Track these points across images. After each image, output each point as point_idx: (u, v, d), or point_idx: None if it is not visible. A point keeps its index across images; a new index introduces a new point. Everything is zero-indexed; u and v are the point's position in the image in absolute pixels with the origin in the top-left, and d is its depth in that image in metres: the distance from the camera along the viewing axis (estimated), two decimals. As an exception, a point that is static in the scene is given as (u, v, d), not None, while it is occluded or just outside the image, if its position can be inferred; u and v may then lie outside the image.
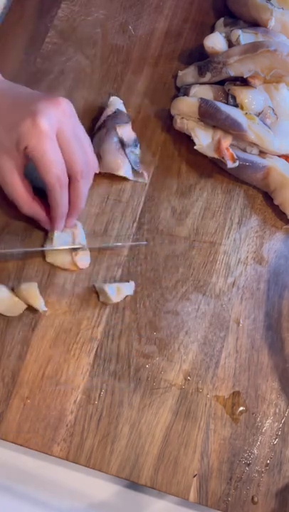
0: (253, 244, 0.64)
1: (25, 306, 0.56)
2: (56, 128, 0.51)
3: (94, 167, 0.57)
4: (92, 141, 0.57)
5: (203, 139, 0.64)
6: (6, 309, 0.55)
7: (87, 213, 0.61)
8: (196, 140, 0.64)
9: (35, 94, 0.54)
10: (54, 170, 0.51)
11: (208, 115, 0.63)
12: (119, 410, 0.55)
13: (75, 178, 0.54)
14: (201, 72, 0.66)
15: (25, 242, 0.59)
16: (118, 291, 0.57)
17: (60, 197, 0.53)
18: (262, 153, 0.65)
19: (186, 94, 0.66)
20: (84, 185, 0.55)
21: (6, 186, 0.54)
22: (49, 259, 0.58)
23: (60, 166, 0.51)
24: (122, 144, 0.61)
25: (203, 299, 0.60)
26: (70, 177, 0.53)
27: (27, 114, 0.50)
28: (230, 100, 0.64)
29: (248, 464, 0.55)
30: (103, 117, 0.63)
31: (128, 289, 0.58)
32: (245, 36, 0.67)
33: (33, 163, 0.51)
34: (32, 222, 0.58)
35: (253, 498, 0.54)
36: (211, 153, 0.64)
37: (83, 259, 0.58)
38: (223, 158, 0.63)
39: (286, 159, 0.65)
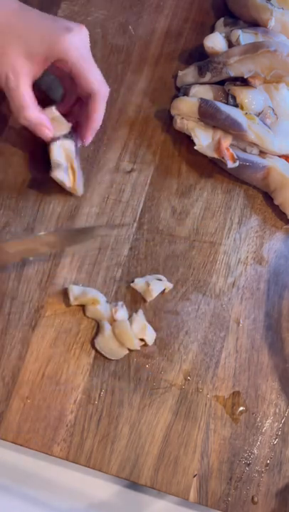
0: (253, 244, 0.64)
1: (126, 351, 0.56)
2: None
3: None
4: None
5: (203, 139, 0.64)
6: (110, 353, 0.56)
7: (87, 213, 0.61)
8: (196, 140, 0.64)
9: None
10: (99, 77, 0.56)
11: (208, 115, 0.63)
12: (119, 410, 0.55)
13: (103, 94, 0.58)
14: (201, 72, 0.66)
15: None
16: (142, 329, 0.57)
17: (104, 104, 0.58)
18: (262, 153, 0.65)
19: (186, 94, 0.66)
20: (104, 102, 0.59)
21: (13, 88, 0.54)
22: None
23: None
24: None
25: (203, 299, 0.60)
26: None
27: (65, 27, 0.54)
28: (230, 100, 0.64)
29: (248, 464, 0.55)
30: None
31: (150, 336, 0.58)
32: (245, 36, 0.67)
33: (74, 74, 0.55)
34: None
35: (253, 498, 0.54)
36: (211, 153, 0.64)
37: None
38: (223, 158, 0.63)
39: (286, 159, 0.65)
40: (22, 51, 0.53)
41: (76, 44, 0.54)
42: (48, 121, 0.57)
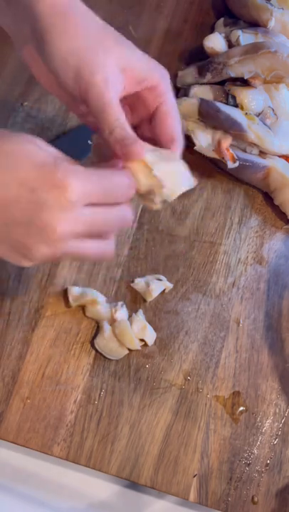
0: (253, 244, 0.64)
1: (126, 351, 0.56)
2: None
3: None
4: None
5: (203, 140, 0.64)
6: (110, 353, 0.56)
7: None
8: (195, 141, 0.64)
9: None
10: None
11: (208, 116, 0.63)
12: (119, 410, 0.55)
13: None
14: (201, 73, 0.66)
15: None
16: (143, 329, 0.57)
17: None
18: (262, 153, 0.65)
19: (186, 94, 0.66)
20: None
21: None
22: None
23: None
24: None
25: (203, 299, 0.60)
26: None
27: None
28: (230, 100, 0.64)
29: (248, 464, 0.55)
30: None
31: (150, 336, 0.57)
32: (245, 36, 0.67)
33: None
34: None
35: (253, 498, 0.54)
36: (211, 154, 0.64)
37: None
38: (223, 158, 0.63)
39: (286, 159, 0.65)
40: (122, 61, 0.42)
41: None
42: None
